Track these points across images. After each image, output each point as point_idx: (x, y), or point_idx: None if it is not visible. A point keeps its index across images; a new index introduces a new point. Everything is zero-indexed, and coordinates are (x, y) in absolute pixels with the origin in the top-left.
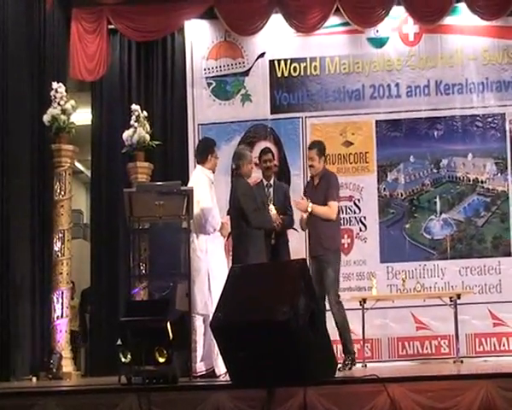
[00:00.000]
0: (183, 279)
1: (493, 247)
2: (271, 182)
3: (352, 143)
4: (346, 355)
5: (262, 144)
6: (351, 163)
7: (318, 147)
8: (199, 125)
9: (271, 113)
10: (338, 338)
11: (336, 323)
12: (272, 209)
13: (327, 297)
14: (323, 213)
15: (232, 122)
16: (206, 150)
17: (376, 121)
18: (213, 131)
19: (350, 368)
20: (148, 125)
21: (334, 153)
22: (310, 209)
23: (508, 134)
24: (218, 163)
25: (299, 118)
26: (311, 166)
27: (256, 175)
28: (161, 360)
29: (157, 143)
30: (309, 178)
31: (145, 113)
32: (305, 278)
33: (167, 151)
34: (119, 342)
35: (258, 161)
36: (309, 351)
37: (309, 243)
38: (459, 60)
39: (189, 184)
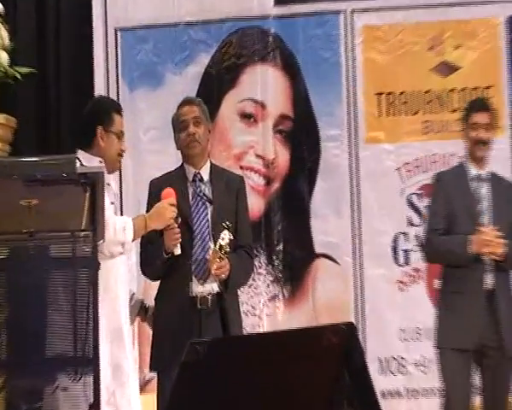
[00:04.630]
0: (85, 368)
1: None
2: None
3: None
4: None
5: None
6: None
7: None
8: (116, 30)
9: (276, 3)
10: None
11: None
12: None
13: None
14: None
15: (189, 24)
16: (87, 125)
17: None
18: (149, 44)
19: None
20: (4, 32)
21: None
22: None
23: None
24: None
25: (338, 13)
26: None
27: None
28: None
29: (27, 70)
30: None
31: (1, 6)
32: (355, 363)
33: (48, 90)
34: None
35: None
36: None
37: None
38: None
39: None
